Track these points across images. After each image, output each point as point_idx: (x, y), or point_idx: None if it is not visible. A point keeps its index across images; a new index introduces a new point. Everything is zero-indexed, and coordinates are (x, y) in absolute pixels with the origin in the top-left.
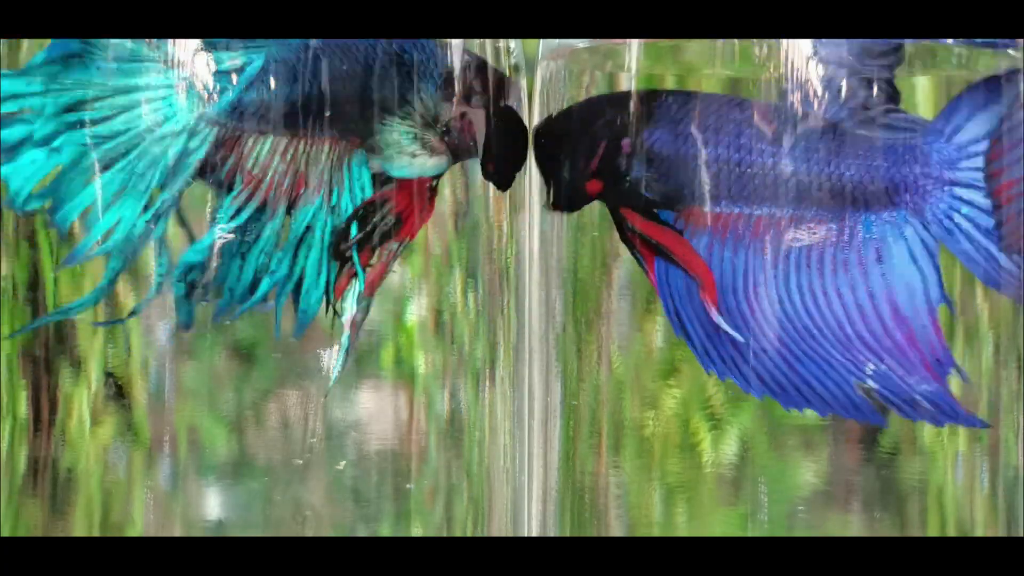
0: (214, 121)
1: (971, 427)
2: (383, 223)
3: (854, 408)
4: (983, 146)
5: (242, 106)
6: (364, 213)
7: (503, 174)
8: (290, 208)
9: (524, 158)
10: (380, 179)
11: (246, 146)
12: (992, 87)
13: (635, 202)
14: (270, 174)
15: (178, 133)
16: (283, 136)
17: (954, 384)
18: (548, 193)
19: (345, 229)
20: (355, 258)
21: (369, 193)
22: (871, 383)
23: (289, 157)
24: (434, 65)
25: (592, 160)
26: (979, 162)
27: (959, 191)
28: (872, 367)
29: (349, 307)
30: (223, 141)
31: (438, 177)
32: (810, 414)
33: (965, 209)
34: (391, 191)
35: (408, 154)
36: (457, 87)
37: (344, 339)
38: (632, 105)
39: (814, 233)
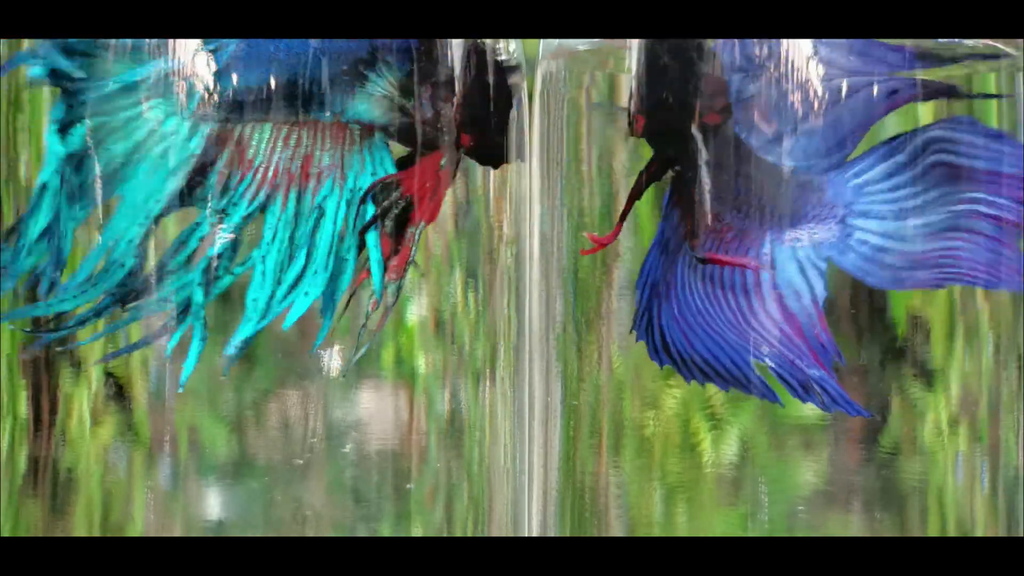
0: (207, 115)
1: (859, 416)
2: (394, 207)
3: (749, 384)
4: (880, 186)
5: (235, 95)
6: (377, 193)
7: (483, 152)
8: (300, 196)
9: (504, 141)
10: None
11: (243, 137)
12: (898, 142)
13: (698, 159)
14: (275, 161)
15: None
16: (283, 123)
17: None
18: (633, 116)
19: (359, 209)
20: (371, 242)
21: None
22: (768, 361)
23: (292, 142)
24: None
25: (723, 96)
26: (876, 199)
27: (853, 220)
28: (766, 348)
29: (373, 290)
30: (218, 134)
31: (444, 158)
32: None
33: (859, 234)
34: (400, 175)
35: (382, 108)
36: (454, 70)
37: (366, 315)
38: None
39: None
